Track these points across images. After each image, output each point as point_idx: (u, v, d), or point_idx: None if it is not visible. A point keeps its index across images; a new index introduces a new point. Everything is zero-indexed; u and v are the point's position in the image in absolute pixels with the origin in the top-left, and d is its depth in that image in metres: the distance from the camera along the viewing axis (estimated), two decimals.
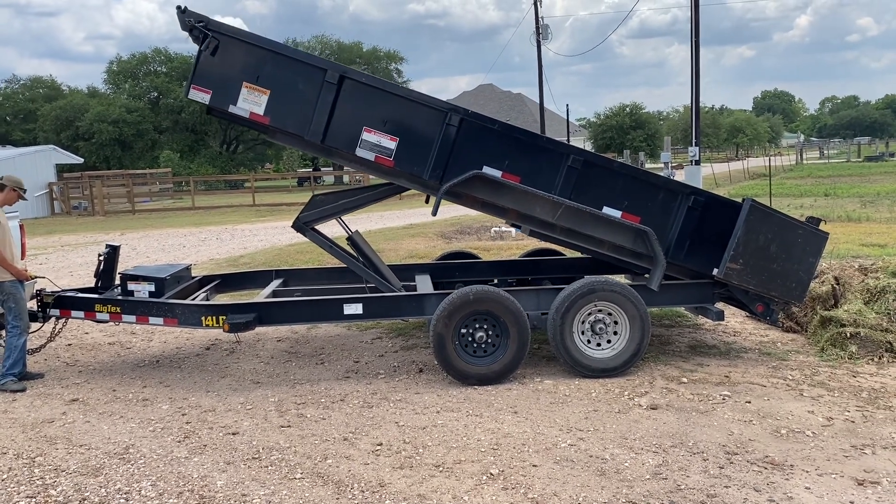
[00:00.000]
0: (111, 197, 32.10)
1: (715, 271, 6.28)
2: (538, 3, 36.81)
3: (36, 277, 6.80)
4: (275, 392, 6.12)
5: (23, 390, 6.34)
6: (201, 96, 6.17)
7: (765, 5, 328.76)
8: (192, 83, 6.18)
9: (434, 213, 6.24)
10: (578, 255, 8.01)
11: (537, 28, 36.38)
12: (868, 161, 49.70)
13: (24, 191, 6.69)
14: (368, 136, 6.16)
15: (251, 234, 19.43)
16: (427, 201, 6.81)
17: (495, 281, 8.00)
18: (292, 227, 6.84)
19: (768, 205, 6.39)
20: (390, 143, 6.16)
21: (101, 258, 7.00)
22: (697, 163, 18.23)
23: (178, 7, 6.13)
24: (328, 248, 6.87)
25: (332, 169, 40.60)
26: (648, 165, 40.43)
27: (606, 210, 6.23)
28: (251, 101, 6.14)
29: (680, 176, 20.58)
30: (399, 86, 6.34)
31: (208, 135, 51.09)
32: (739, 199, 6.38)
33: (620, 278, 7.46)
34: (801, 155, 57.37)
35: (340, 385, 6.23)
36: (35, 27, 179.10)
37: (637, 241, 6.30)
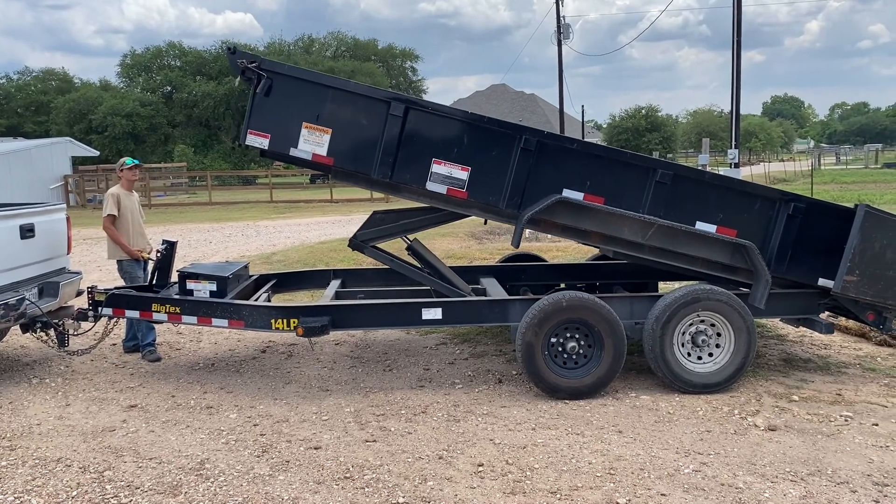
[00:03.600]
0: None
1: (821, 281, 5.86)
2: (560, 2, 36.30)
3: (149, 259, 7.02)
4: (348, 401, 5.69)
5: (158, 360, 6.97)
6: (259, 141, 5.73)
7: (777, 10, 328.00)
8: (249, 128, 5.72)
9: (517, 245, 5.83)
10: None
11: (559, 27, 35.85)
12: (887, 168, 49.15)
13: (136, 166, 7.12)
14: (438, 167, 5.74)
15: (275, 230, 19.02)
16: (486, 222, 6.44)
17: (562, 285, 7.57)
18: (349, 245, 6.50)
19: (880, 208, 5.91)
20: (462, 174, 5.75)
21: (158, 254, 6.58)
22: (737, 166, 17.80)
23: (229, 48, 5.78)
24: (390, 262, 6.62)
25: None
26: None
27: (700, 225, 5.80)
28: (313, 142, 5.71)
29: None
30: (468, 112, 5.89)
31: (221, 130, 50.73)
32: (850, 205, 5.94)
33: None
34: (819, 160, 56.69)
35: (417, 395, 5.80)
36: (47, 20, 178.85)
37: (735, 255, 5.85)
